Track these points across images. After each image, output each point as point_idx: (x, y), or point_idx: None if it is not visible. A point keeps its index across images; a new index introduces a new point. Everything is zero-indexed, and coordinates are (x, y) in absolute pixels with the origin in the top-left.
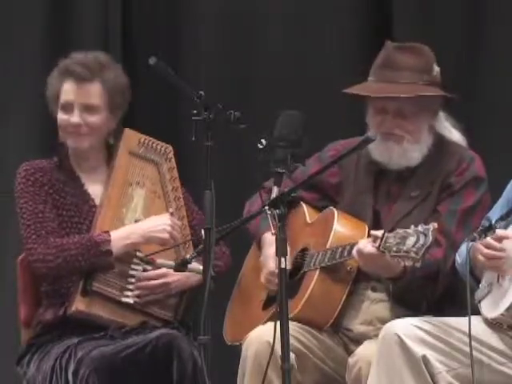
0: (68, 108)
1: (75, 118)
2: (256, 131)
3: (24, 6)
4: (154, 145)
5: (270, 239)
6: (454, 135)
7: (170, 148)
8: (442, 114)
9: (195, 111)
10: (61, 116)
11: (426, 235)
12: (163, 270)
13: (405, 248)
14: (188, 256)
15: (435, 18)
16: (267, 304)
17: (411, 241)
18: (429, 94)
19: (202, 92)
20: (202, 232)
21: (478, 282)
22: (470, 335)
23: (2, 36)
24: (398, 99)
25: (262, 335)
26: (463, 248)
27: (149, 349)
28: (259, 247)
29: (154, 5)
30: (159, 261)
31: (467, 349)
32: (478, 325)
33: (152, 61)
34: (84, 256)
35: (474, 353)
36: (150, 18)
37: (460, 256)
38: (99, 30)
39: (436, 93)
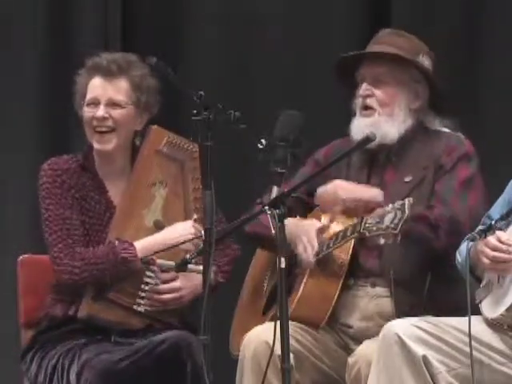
0: (94, 103)
1: (100, 111)
2: (256, 131)
3: (24, 6)
4: (181, 143)
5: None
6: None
7: (197, 147)
8: (437, 116)
9: (195, 111)
10: (86, 111)
11: (402, 210)
12: (177, 284)
13: (383, 226)
14: (188, 256)
15: (435, 17)
16: (266, 308)
17: (389, 218)
18: (400, 57)
19: (201, 92)
20: (202, 232)
21: (480, 281)
22: (470, 335)
23: (1, 36)
24: (376, 66)
25: (259, 335)
26: (463, 247)
27: (155, 353)
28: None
29: (154, 5)
30: (159, 261)
31: (467, 349)
32: (478, 325)
33: (152, 61)
34: (110, 271)
35: (474, 353)
36: (150, 18)
37: (461, 254)
38: (99, 30)
39: (413, 69)
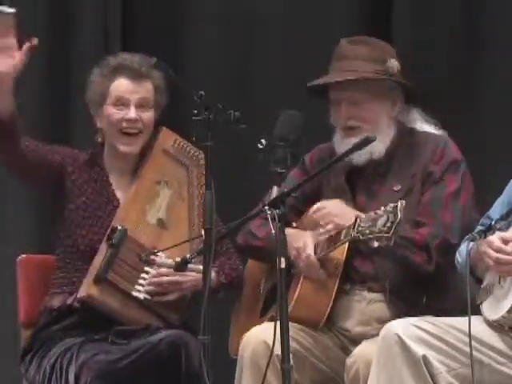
0: (123, 104)
1: (132, 113)
2: (256, 131)
3: (24, 6)
4: (188, 148)
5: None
6: (427, 128)
7: (202, 155)
8: (414, 110)
9: (195, 111)
10: (115, 113)
11: (394, 213)
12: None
13: (376, 229)
14: (188, 255)
15: (435, 17)
16: (264, 311)
17: (382, 221)
18: (374, 79)
19: (201, 92)
20: (202, 232)
21: (480, 281)
22: (469, 335)
23: None
24: (347, 88)
25: (258, 335)
26: (463, 248)
27: (153, 352)
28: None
29: (154, 5)
30: (159, 260)
31: (467, 349)
32: (478, 325)
33: (152, 61)
34: None
35: (474, 353)
36: (150, 18)
37: (461, 255)
38: (99, 30)
39: (384, 80)
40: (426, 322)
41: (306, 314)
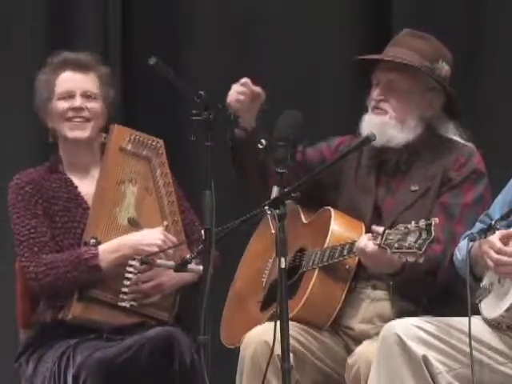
0: (70, 96)
1: (77, 102)
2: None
3: (24, 5)
4: (145, 140)
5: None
6: (457, 139)
7: (161, 143)
8: (450, 121)
9: (195, 111)
10: (61, 104)
11: (428, 231)
12: (154, 271)
13: (407, 244)
14: (188, 256)
15: (435, 17)
16: (265, 305)
17: (413, 237)
18: (416, 70)
19: (201, 92)
20: (202, 232)
21: (478, 279)
22: (469, 335)
23: (2, 36)
24: (391, 72)
25: (260, 335)
26: (463, 245)
27: (147, 348)
28: None
29: (154, 5)
30: (159, 261)
31: (467, 349)
32: (478, 325)
33: (152, 61)
34: (73, 273)
35: (474, 353)
36: (150, 18)
37: (460, 252)
38: (99, 30)
39: (429, 77)
40: (426, 322)
41: (313, 316)
